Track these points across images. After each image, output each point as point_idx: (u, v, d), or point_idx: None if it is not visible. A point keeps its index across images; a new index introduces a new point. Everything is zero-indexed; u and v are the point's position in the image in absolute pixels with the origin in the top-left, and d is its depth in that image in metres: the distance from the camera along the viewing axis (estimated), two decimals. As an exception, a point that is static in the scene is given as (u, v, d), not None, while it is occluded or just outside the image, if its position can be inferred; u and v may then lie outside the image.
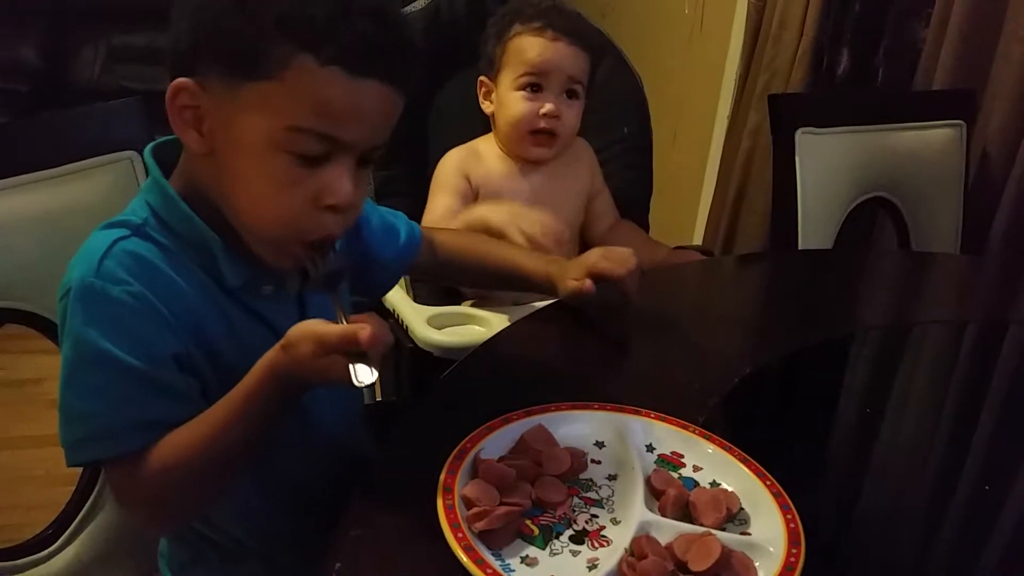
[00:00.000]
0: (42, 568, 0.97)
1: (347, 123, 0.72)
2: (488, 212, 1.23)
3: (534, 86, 1.34)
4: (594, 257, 1.02)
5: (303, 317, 0.80)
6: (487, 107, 1.41)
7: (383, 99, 0.73)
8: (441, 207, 1.35)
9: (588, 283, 1.00)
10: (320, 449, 0.89)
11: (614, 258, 1.02)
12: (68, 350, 0.73)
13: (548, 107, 1.34)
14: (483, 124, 1.46)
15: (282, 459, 0.82)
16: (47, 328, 0.94)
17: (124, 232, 0.75)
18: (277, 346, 0.71)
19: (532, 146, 1.37)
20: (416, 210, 1.44)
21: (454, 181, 1.37)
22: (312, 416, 0.85)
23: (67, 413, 0.73)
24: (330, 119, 0.71)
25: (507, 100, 1.36)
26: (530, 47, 1.33)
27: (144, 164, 0.81)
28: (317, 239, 0.76)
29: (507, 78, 1.36)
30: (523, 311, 1.16)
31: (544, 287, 1.06)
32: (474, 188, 1.39)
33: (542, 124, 1.35)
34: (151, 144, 0.82)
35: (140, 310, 0.72)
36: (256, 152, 0.72)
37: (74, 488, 1.00)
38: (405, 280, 1.33)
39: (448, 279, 1.24)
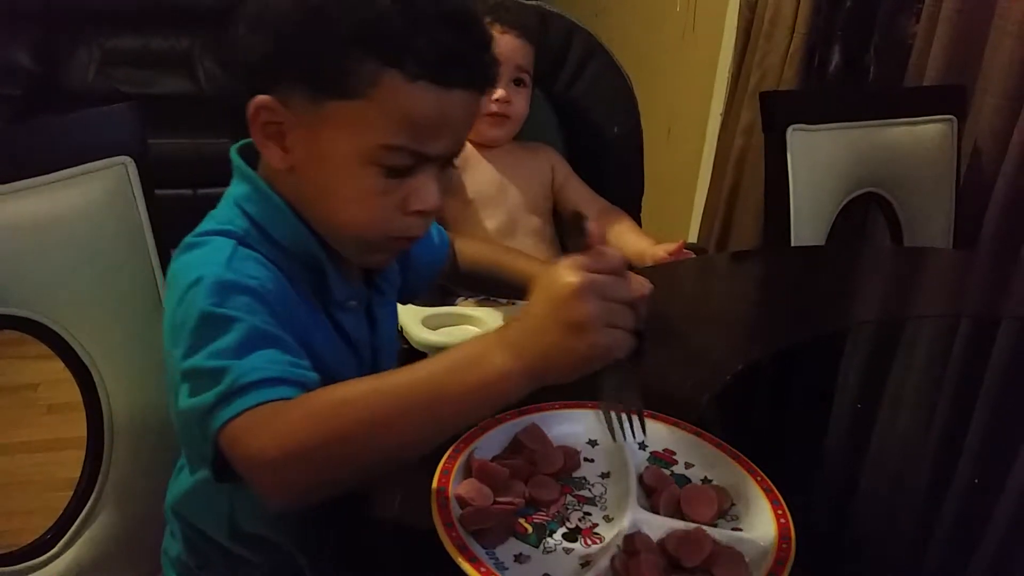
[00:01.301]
0: (40, 573, 0.97)
1: (436, 136, 0.72)
2: None
3: None
4: None
5: (373, 329, 0.82)
6: None
7: (469, 105, 0.73)
8: None
9: None
10: None
11: (635, 278, 1.01)
12: (192, 324, 0.67)
13: (499, 92, 1.44)
14: None
15: None
16: (43, 333, 0.94)
17: (235, 241, 0.73)
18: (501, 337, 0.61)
19: (487, 128, 1.47)
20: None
21: None
22: None
23: (197, 379, 0.66)
24: (420, 134, 0.71)
25: None
26: None
27: (234, 166, 0.79)
28: (404, 239, 0.77)
29: None
30: (517, 311, 1.17)
31: None
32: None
33: (494, 108, 1.45)
34: (236, 146, 0.80)
35: (271, 300, 0.70)
36: (344, 167, 0.72)
37: (72, 493, 1.00)
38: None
39: (462, 285, 1.25)
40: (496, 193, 1.50)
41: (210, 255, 0.72)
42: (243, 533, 0.87)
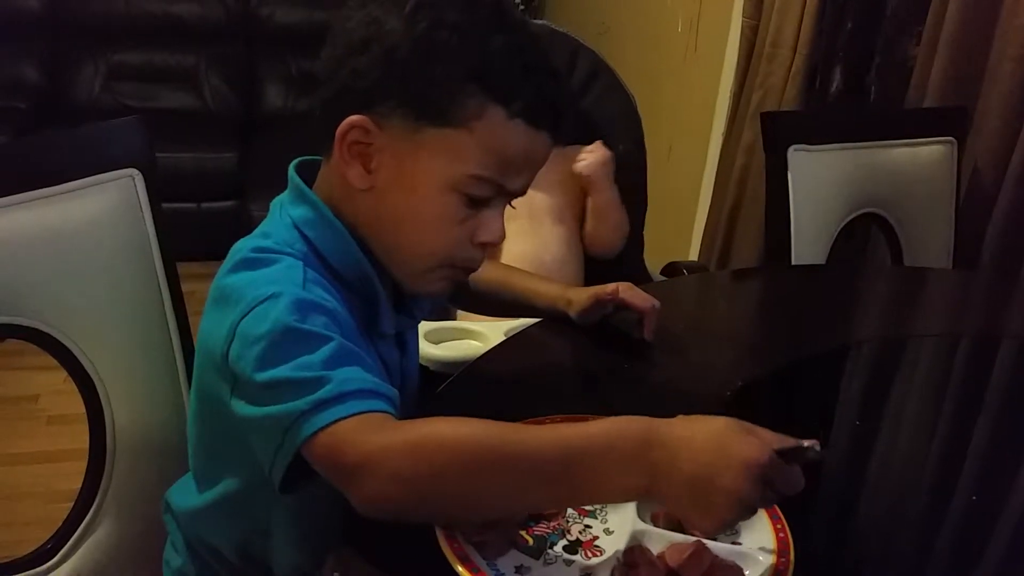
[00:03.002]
0: (40, 583, 0.98)
1: (519, 173, 0.76)
2: None
3: None
4: (622, 285, 1.04)
5: (403, 355, 0.85)
6: None
7: (547, 149, 0.77)
8: None
9: (613, 287, 1.02)
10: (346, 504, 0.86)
11: (640, 293, 1.03)
12: (272, 337, 0.67)
13: None
14: None
15: (312, 510, 0.81)
16: (48, 344, 0.95)
17: (303, 263, 0.74)
18: (659, 425, 0.60)
19: None
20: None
21: None
22: None
23: (281, 389, 0.65)
24: (506, 169, 0.75)
25: None
26: None
27: (292, 185, 0.80)
28: (464, 269, 0.80)
29: None
30: (519, 325, 1.17)
31: (560, 308, 1.05)
32: None
33: None
34: (294, 164, 0.81)
35: (342, 323, 0.71)
36: (430, 192, 0.75)
37: (72, 504, 1.01)
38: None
39: (469, 305, 1.26)
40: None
41: (284, 273, 0.72)
42: (252, 555, 0.88)
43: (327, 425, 0.63)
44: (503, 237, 0.79)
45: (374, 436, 0.62)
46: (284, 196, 0.81)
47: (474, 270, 0.82)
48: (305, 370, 0.65)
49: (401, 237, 0.77)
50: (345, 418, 0.63)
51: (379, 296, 0.79)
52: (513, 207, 0.82)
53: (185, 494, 0.91)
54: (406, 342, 0.88)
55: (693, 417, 0.61)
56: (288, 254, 0.74)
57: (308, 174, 0.81)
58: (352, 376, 0.66)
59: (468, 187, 0.74)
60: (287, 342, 0.66)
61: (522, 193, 0.79)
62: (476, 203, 0.76)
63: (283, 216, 0.79)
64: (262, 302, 0.68)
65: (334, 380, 0.64)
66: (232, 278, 0.73)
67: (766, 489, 0.57)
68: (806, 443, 0.58)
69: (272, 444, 0.66)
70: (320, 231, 0.77)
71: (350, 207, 0.78)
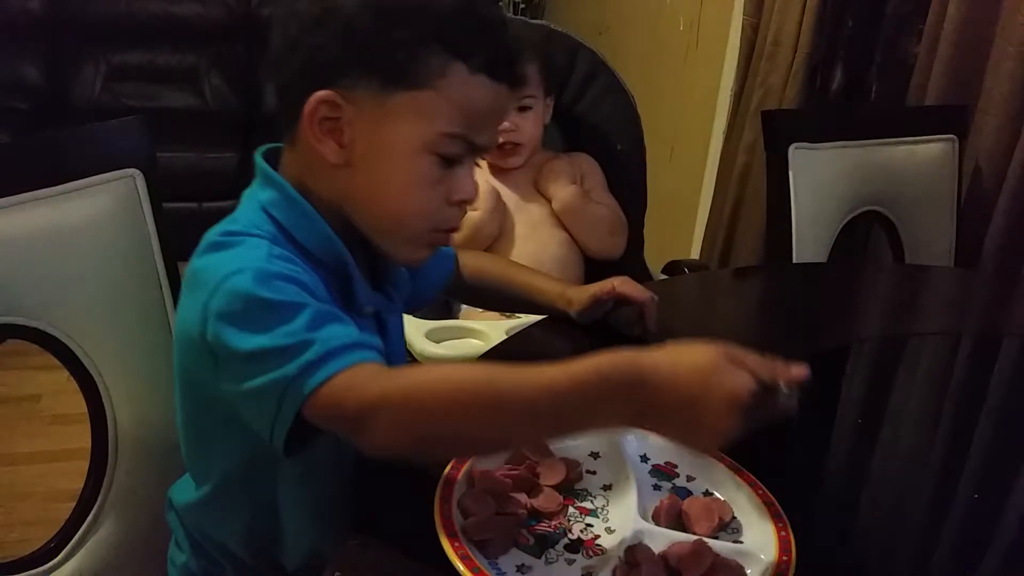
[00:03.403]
0: (43, 582, 0.98)
1: (485, 127, 0.78)
2: None
3: None
4: (617, 280, 1.04)
5: (385, 341, 0.83)
6: None
7: (508, 101, 0.80)
8: None
9: (610, 284, 1.02)
10: (349, 468, 0.87)
11: (636, 287, 1.04)
12: (244, 310, 0.68)
13: (504, 124, 1.42)
14: None
15: (317, 478, 0.83)
16: (50, 343, 0.95)
17: (268, 241, 0.75)
18: (639, 356, 0.60)
19: (498, 159, 1.49)
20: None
21: None
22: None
23: (268, 358, 0.66)
24: (474, 124, 0.76)
25: None
26: None
27: (258, 170, 0.81)
28: (445, 231, 0.82)
29: None
30: (519, 324, 1.18)
31: (560, 307, 1.06)
32: None
33: (501, 139, 1.45)
34: (261, 150, 0.82)
35: (319, 293, 0.72)
36: (405, 156, 0.76)
37: (75, 504, 1.01)
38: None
39: (466, 298, 1.26)
40: (516, 205, 1.51)
41: (247, 252, 0.73)
42: (259, 546, 0.88)
43: (321, 384, 0.64)
44: (476, 194, 0.81)
45: (371, 384, 0.64)
46: (253, 183, 0.82)
47: (456, 230, 0.83)
48: (287, 337, 0.66)
49: (382, 206, 0.78)
50: (338, 372, 0.65)
51: (351, 269, 0.79)
52: (480, 165, 0.83)
53: (186, 490, 0.91)
54: (387, 327, 0.88)
55: (678, 348, 0.61)
56: (254, 235, 0.75)
57: (275, 160, 0.82)
58: (335, 333, 0.67)
59: (441, 146, 0.76)
60: (261, 313, 0.67)
61: (489, 148, 0.80)
62: (449, 163, 0.77)
63: (251, 201, 0.79)
64: (225, 280, 0.69)
65: (318, 340, 0.66)
66: (199, 262, 0.74)
67: (750, 416, 0.58)
68: (785, 387, 0.60)
69: (269, 413, 0.67)
70: (287, 212, 0.77)
71: (325, 185, 0.78)
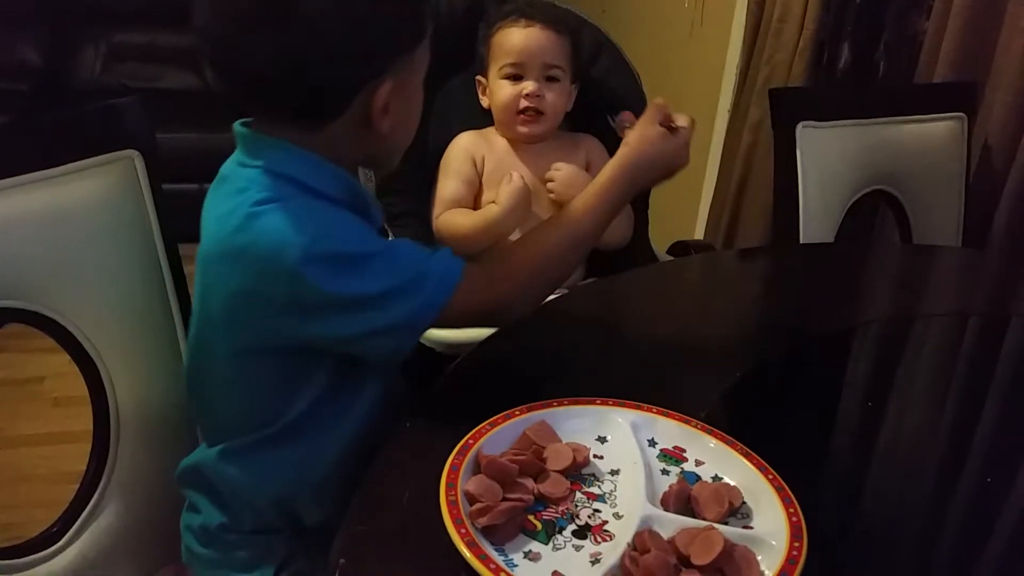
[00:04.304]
0: (46, 566, 0.97)
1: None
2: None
3: (515, 75, 1.43)
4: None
5: None
6: (485, 102, 1.49)
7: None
8: (448, 190, 1.44)
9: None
10: (378, 423, 0.92)
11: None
12: (338, 264, 0.78)
13: (530, 87, 1.41)
14: (482, 124, 1.51)
15: (349, 430, 0.89)
16: (50, 326, 0.94)
17: (278, 203, 0.79)
18: (620, 154, 0.98)
19: (520, 125, 1.45)
20: (417, 207, 1.48)
21: (460, 166, 1.46)
22: (365, 401, 0.90)
23: (391, 298, 0.80)
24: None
25: (494, 89, 1.46)
26: (507, 38, 1.44)
27: (247, 140, 0.87)
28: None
29: (493, 71, 1.46)
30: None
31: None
32: (479, 169, 1.46)
33: (524, 104, 1.42)
34: (240, 123, 0.89)
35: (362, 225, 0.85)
36: (419, 91, 0.90)
37: (78, 486, 1.00)
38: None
39: None
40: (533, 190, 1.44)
41: (300, 212, 0.78)
42: (281, 501, 0.91)
43: (449, 300, 0.82)
44: None
45: (488, 286, 0.87)
46: (235, 157, 0.86)
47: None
48: (401, 274, 0.80)
49: (404, 138, 0.91)
50: (459, 284, 0.82)
51: (366, 197, 0.88)
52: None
53: (208, 451, 0.92)
54: (388, 233, 1.01)
55: (636, 135, 1.00)
56: (285, 197, 0.79)
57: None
58: (438, 256, 0.84)
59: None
60: (359, 261, 0.79)
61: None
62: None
63: (246, 171, 0.83)
64: (307, 241, 0.76)
65: (433, 264, 0.83)
66: (246, 235, 0.77)
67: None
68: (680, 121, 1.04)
69: (404, 341, 0.83)
70: (299, 166, 0.82)
71: (353, 152, 0.88)
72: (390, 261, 0.81)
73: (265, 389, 0.87)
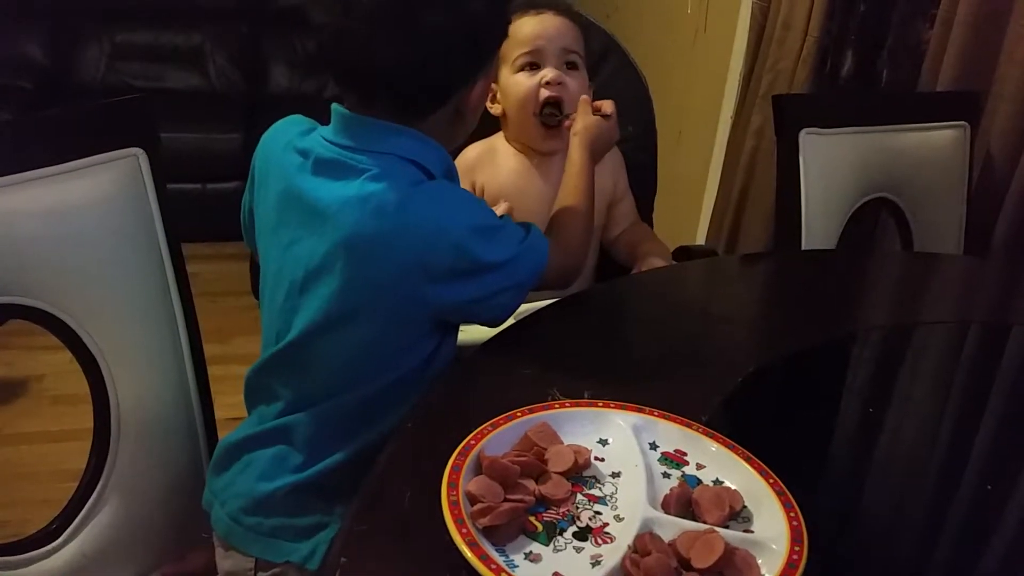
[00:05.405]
0: (45, 563, 0.98)
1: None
2: None
3: (532, 65, 1.33)
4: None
5: None
6: (495, 109, 1.38)
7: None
8: None
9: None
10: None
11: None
12: (489, 235, 0.92)
13: (550, 74, 1.31)
14: (486, 133, 1.41)
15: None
16: (52, 323, 0.94)
17: (423, 185, 0.92)
18: (578, 140, 1.20)
19: (544, 138, 1.35)
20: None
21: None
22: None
23: (513, 262, 0.94)
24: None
25: (509, 86, 1.34)
26: (519, 29, 1.32)
27: (381, 128, 0.92)
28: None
29: (506, 68, 1.34)
30: (527, 309, 1.16)
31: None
32: (479, 190, 1.38)
33: (547, 93, 1.31)
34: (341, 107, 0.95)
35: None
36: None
37: (77, 484, 1.00)
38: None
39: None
40: (542, 209, 1.26)
41: (447, 192, 0.94)
42: (360, 460, 0.92)
43: (544, 265, 0.98)
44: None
45: (555, 253, 1.00)
46: (328, 137, 0.93)
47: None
48: (519, 244, 0.95)
49: (469, 130, 1.04)
50: (547, 253, 0.99)
51: (455, 174, 1.00)
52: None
53: (301, 417, 0.95)
54: None
55: (581, 123, 1.23)
56: (420, 179, 0.91)
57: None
58: (534, 231, 0.99)
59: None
60: (496, 233, 0.93)
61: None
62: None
63: (367, 156, 0.90)
64: (464, 218, 0.90)
65: (529, 240, 0.97)
66: (411, 214, 0.87)
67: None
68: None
69: (518, 300, 0.97)
70: (423, 151, 0.93)
71: (444, 140, 0.97)
72: (511, 231, 0.96)
73: (377, 354, 0.93)
